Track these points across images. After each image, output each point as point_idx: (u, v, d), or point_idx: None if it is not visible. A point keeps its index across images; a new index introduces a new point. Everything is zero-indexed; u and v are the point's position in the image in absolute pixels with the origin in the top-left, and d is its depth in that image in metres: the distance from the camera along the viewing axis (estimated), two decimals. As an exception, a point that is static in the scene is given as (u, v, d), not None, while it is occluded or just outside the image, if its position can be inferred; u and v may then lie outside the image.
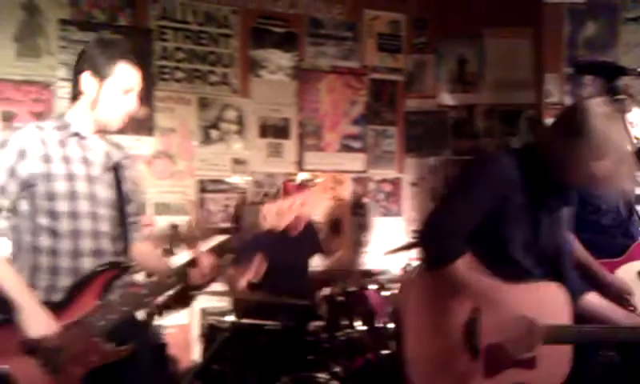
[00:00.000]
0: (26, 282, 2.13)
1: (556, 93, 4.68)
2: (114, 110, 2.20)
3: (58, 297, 2.14)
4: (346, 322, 3.43)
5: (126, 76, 2.20)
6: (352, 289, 3.51)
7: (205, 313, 4.26)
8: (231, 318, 3.56)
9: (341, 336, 3.43)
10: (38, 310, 2.06)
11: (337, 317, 3.45)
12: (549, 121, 4.65)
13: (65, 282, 2.15)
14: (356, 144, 4.91)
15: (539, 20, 4.73)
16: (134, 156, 2.53)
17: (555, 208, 2.18)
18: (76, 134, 2.20)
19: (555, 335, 2.07)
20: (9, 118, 3.87)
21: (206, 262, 2.24)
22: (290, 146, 4.67)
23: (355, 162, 4.89)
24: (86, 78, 2.18)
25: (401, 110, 5.05)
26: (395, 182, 5.03)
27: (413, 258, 4.83)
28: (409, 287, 2.23)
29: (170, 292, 2.53)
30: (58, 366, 2.06)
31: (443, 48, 5.03)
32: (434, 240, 2.11)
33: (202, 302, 4.21)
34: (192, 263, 2.25)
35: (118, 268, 2.21)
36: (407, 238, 4.96)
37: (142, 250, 2.44)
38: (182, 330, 4.24)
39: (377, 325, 3.44)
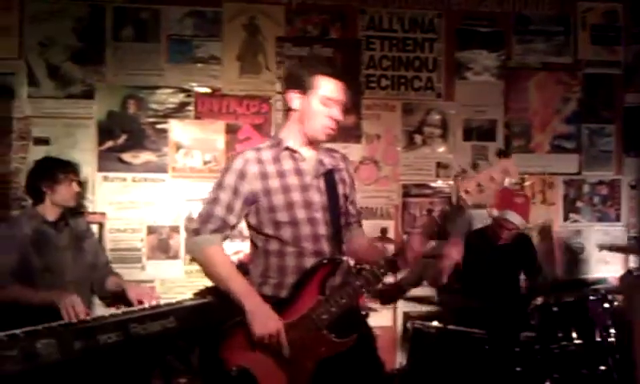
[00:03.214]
0: (259, 280, 2.36)
1: None
2: (318, 122, 2.35)
3: (284, 293, 2.33)
4: (560, 334, 3.27)
5: (327, 88, 2.34)
6: (568, 299, 3.32)
7: (407, 316, 4.30)
8: (436, 323, 3.56)
9: (555, 348, 3.28)
10: (263, 309, 2.25)
11: (551, 328, 3.30)
12: None
13: (290, 279, 2.33)
14: (568, 144, 4.63)
15: None
16: (349, 159, 2.64)
17: None
18: (287, 149, 2.39)
19: None
20: (234, 130, 4.25)
21: (412, 248, 2.29)
22: (496, 148, 4.51)
23: (567, 163, 4.62)
24: (292, 96, 2.38)
25: (619, 106, 4.67)
26: (613, 184, 4.66)
27: (634, 266, 4.48)
28: (634, 295, 2.04)
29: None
30: (290, 359, 2.23)
31: (668, 37, 4.56)
32: None
33: (405, 305, 4.28)
34: (399, 253, 2.31)
35: (334, 263, 2.34)
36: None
37: (361, 242, 2.59)
38: (386, 333, 4.31)
39: (596, 338, 3.23)
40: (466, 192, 2.21)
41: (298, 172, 2.37)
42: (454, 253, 3.36)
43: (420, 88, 4.47)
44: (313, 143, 2.43)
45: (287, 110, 2.45)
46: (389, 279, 2.86)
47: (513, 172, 2.23)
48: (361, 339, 2.34)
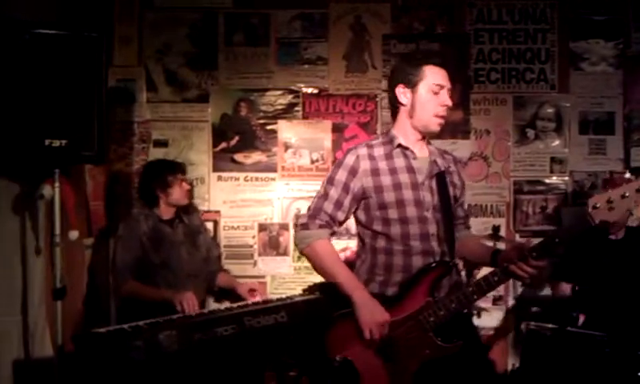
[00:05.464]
0: (365, 277, 2.37)
1: None
2: (430, 110, 2.34)
3: (391, 291, 2.33)
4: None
5: (433, 76, 2.33)
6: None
7: (520, 317, 4.17)
8: (551, 325, 3.43)
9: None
10: (371, 301, 2.27)
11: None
12: None
13: (397, 277, 2.33)
14: (694, 137, 4.32)
15: None
16: (461, 161, 2.60)
17: None
18: (399, 146, 2.38)
19: None
20: (340, 129, 4.30)
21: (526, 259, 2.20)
22: (614, 141, 4.30)
23: (694, 157, 4.31)
24: (400, 91, 2.37)
25: None
26: None
27: None
28: None
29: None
30: (393, 356, 2.24)
31: None
32: None
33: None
34: (511, 261, 2.22)
35: (446, 267, 2.31)
36: None
37: (469, 243, 2.53)
38: (498, 334, 4.21)
39: None
40: (594, 207, 2.09)
41: (410, 170, 2.37)
42: None
43: (532, 80, 4.32)
44: (424, 138, 2.41)
45: (394, 108, 2.45)
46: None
47: None
48: (467, 346, 2.28)
